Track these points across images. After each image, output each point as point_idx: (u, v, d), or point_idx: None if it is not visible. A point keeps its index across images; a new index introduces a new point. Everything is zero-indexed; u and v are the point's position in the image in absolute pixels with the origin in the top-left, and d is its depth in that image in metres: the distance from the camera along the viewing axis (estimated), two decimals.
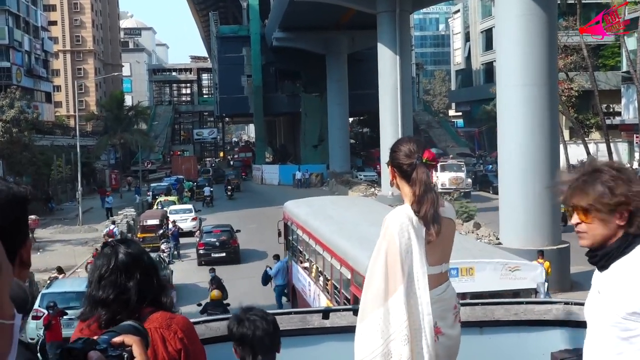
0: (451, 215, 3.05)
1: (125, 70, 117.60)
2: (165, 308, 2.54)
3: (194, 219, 34.77)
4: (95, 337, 1.49)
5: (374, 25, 37.38)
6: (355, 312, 3.65)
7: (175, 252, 28.55)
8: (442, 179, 39.97)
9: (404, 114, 34.34)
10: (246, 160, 76.53)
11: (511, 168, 19.45)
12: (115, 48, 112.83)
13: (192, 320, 4.09)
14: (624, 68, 52.09)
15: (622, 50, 51.22)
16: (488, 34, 75.12)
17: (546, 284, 9.13)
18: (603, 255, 2.21)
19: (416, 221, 2.83)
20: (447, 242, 3.01)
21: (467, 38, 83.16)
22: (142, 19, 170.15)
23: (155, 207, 39.88)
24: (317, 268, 15.07)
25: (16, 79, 61.15)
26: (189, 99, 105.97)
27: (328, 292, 13.89)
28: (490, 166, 57.30)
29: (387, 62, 35.01)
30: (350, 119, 67.49)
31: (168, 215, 32.98)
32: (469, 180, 42.97)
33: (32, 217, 32.12)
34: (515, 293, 9.58)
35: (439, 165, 39.59)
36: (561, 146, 28.58)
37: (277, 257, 20.49)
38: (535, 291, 9.71)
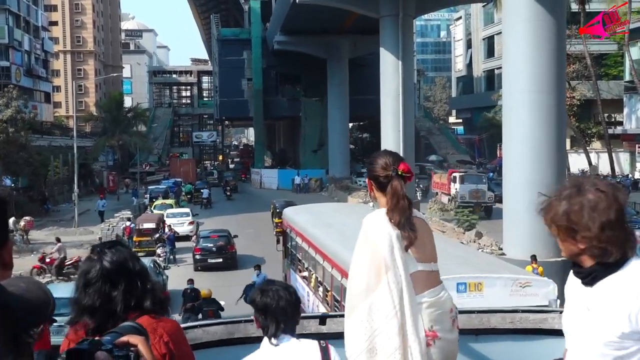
0: (420, 215, 3.20)
1: (126, 72, 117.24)
2: (152, 312, 2.47)
3: (190, 223, 34.33)
4: (98, 338, 1.47)
5: (377, 30, 37.01)
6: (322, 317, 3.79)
7: (171, 257, 28.08)
8: (461, 191, 36.79)
9: (405, 119, 33.94)
10: (246, 163, 76.33)
11: (516, 177, 19.01)
12: (116, 49, 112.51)
13: (189, 324, 4.22)
14: (627, 77, 51.74)
15: (625, 59, 50.94)
16: (490, 41, 74.90)
17: (558, 301, 8.67)
18: (588, 274, 2.19)
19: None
20: (429, 240, 3.12)
21: (468, 45, 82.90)
22: (143, 20, 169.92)
23: (148, 210, 39.47)
24: (317, 278, 14.67)
25: (15, 79, 60.74)
26: (189, 101, 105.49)
27: (328, 304, 13.43)
28: (492, 174, 56.92)
29: (389, 67, 34.62)
30: (350, 124, 67.04)
31: (165, 219, 32.52)
32: (491, 193, 37.97)
33: (27, 218, 31.67)
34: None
35: (457, 176, 38.30)
36: None
37: (258, 268, 19.89)
38: None
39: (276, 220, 34.02)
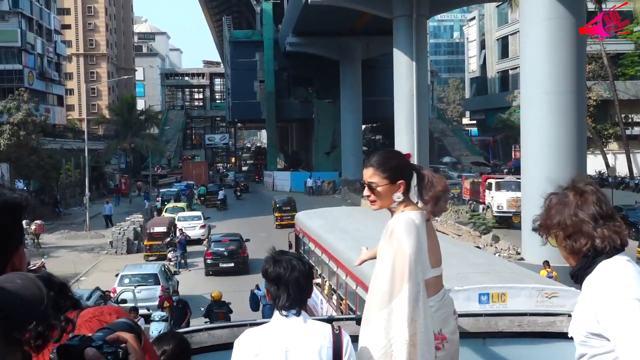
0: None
1: (139, 75, 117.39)
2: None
3: (202, 227, 33.97)
4: (90, 334, 1.49)
5: (390, 31, 36.55)
6: (359, 321, 3.75)
7: (183, 261, 27.72)
8: (498, 200, 33.17)
9: (419, 121, 33.44)
10: (260, 164, 76.22)
11: (535, 179, 18.44)
12: (129, 52, 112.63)
13: (195, 328, 4.25)
14: None
15: None
16: (504, 42, 74.23)
17: None
18: (572, 276, 2.34)
19: (419, 225, 2.98)
20: (437, 244, 3.16)
21: (482, 46, 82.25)
22: (156, 23, 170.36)
23: (155, 214, 39.17)
24: (330, 285, 14.19)
25: (28, 82, 60.81)
26: (201, 104, 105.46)
27: (342, 313, 12.94)
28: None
29: (403, 67, 34.15)
30: (363, 126, 66.58)
31: (176, 222, 32.19)
32: None
33: (38, 222, 31.43)
34: None
35: (493, 182, 34.88)
36: None
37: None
38: None
39: (276, 214, 37.84)
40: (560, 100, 18.11)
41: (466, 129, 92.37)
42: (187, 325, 16.40)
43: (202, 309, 17.87)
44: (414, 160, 32.89)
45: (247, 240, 27.59)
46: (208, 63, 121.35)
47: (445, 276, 3.21)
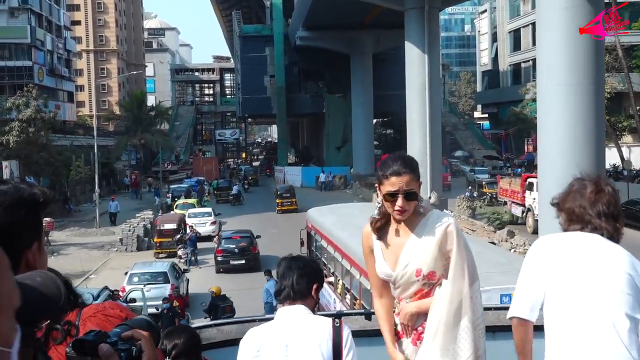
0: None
1: (149, 71, 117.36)
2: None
3: (213, 223, 33.67)
4: (104, 331, 1.52)
5: (400, 25, 36.01)
6: (368, 316, 3.90)
7: (193, 258, 27.44)
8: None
9: (432, 115, 32.93)
10: (272, 158, 75.99)
11: (552, 174, 17.93)
12: (139, 48, 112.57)
13: (204, 324, 4.39)
14: None
15: None
16: (516, 34, 73.51)
17: None
18: None
19: None
20: None
21: (494, 38, 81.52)
22: (165, 19, 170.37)
23: (161, 211, 38.92)
24: (344, 285, 13.90)
25: (38, 78, 60.68)
26: (211, 99, 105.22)
27: None
28: (519, 169, 55.69)
29: (415, 61, 33.63)
30: (374, 121, 66.08)
31: (186, 219, 31.91)
32: None
33: (47, 219, 31.21)
34: None
35: (535, 182, 29.90)
36: None
37: (268, 273, 18.66)
38: None
39: (277, 201, 41.31)
40: (578, 92, 17.59)
41: (478, 122, 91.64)
42: None
43: (204, 304, 17.67)
44: (427, 155, 32.50)
45: (258, 236, 27.27)
46: (218, 58, 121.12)
47: None
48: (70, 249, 31.10)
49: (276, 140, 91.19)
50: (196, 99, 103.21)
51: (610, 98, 50.51)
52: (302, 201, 39.50)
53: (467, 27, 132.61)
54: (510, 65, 75.29)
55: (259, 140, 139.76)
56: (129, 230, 31.61)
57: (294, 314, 2.99)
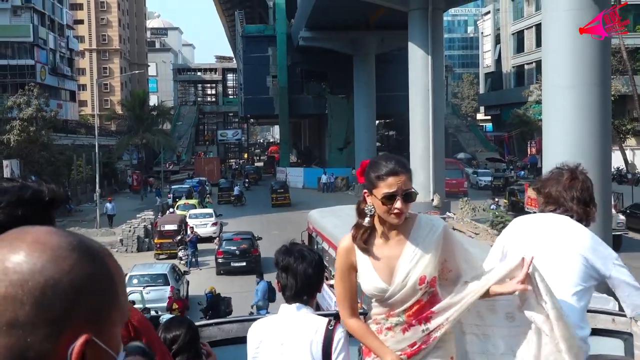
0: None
1: (151, 70, 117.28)
2: None
3: (214, 224, 33.45)
4: None
5: (404, 26, 35.78)
6: (365, 315, 3.90)
7: (194, 260, 27.23)
8: None
9: (435, 117, 32.69)
10: (276, 157, 76.10)
11: None
12: (142, 48, 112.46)
13: (205, 322, 4.30)
14: None
15: None
16: (519, 36, 73.24)
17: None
18: None
19: None
20: None
21: (497, 40, 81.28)
22: (168, 19, 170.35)
23: (160, 212, 38.57)
24: None
25: (40, 77, 60.59)
26: (213, 99, 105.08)
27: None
28: (523, 172, 55.46)
29: (418, 62, 33.39)
30: (377, 122, 65.87)
31: (187, 219, 31.70)
32: (622, 217, 27.14)
33: None
34: None
35: None
36: None
37: (260, 276, 19.15)
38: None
39: (272, 195, 45.24)
40: (584, 94, 17.36)
41: (481, 124, 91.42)
42: None
43: (201, 304, 17.68)
44: (430, 157, 32.27)
45: (260, 238, 27.06)
46: (220, 58, 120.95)
47: None
48: None
49: (274, 140, 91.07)
50: (198, 99, 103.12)
51: (614, 101, 50.24)
52: (305, 202, 39.37)
53: (470, 28, 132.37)
54: (513, 67, 75.03)
55: (261, 141, 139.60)
56: (129, 231, 31.40)
57: (293, 312, 2.97)
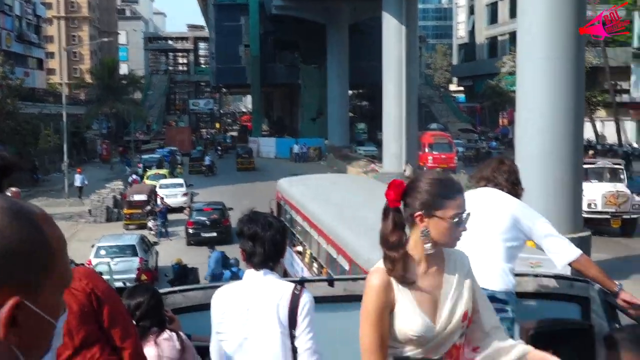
0: None
1: (122, 39, 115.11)
2: None
3: (185, 195, 33.09)
4: None
5: None
6: (331, 283, 4.14)
7: (163, 230, 26.95)
8: (591, 194, 22.46)
9: (408, 87, 32.52)
10: (249, 126, 75.96)
11: (530, 150, 17.65)
12: (111, 15, 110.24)
13: (168, 289, 4.34)
14: (635, 44, 50.32)
15: (634, 25, 49.37)
16: (493, 7, 73.11)
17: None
18: None
19: None
20: None
21: (471, 11, 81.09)
22: None
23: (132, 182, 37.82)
24: (311, 254, 14.02)
25: (6, 44, 59.13)
26: (185, 68, 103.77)
27: None
28: (494, 143, 55.68)
29: (392, 32, 33.11)
30: (350, 92, 65.52)
31: (157, 190, 31.31)
32: (638, 198, 23.45)
33: (14, 189, 30.24)
34: None
35: None
36: None
37: (212, 246, 19.47)
38: None
39: (237, 159, 49.68)
40: (559, 66, 17.23)
41: (453, 95, 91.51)
42: None
43: (168, 275, 17.61)
44: (402, 127, 32.13)
45: (231, 209, 26.76)
46: (192, 27, 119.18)
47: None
48: None
49: (247, 110, 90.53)
50: (170, 68, 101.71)
51: (586, 73, 50.47)
52: (277, 173, 39.08)
53: None
54: (487, 38, 74.99)
55: (234, 111, 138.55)
56: (98, 201, 30.94)
57: (260, 278, 2.97)
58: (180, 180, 35.55)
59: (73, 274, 2.04)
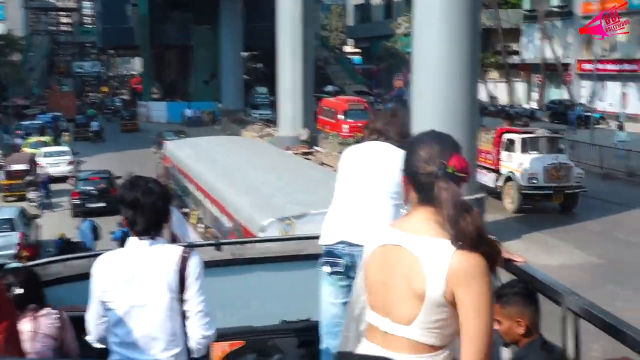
0: None
1: None
2: None
3: (70, 163, 31.29)
4: None
5: None
6: (218, 247, 4.28)
7: (47, 202, 25.30)
8: (531, 168, 21.18)
9: (305, 49, 31.79)
10: (138, 89, 73.23)
11: (425, 111, 17.45)
12: None
13: (49, 259, 4.46)
14: (527, 6, 51.59)
15: None
16: None
17: None
18: None
19: None
20: None
21: None
22: None
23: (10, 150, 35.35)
24: (198, 215, 14.29)
25: None
26: (69, 28, 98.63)
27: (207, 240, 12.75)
28: (389, 105, 56.00)
29: None
30: (245, 54, 64.07)
31: (39, 158, 29.41)
32: (580, 170, 22.17)
33: None
34: None
35: (518, 140, 22.22)
36: None
37: (84, 215, 19.80)
38: None
39: (122, 122, 52.56)
40: (454, 27, 17.10)
41: (349, 57, 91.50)
42: None
43: (51, 250, 17.04)
44: (299, 90, 31.44)
45: (119, 177, 25.39)
46: None
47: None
48: None
49: (137, 73, 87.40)
50: (52, 28, 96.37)
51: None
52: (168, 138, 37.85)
53: None
54: None
55: (125, 73, 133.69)
56: None
57: (145, 245, 2.88)
58: (65, 148, 33.69)
59: None
